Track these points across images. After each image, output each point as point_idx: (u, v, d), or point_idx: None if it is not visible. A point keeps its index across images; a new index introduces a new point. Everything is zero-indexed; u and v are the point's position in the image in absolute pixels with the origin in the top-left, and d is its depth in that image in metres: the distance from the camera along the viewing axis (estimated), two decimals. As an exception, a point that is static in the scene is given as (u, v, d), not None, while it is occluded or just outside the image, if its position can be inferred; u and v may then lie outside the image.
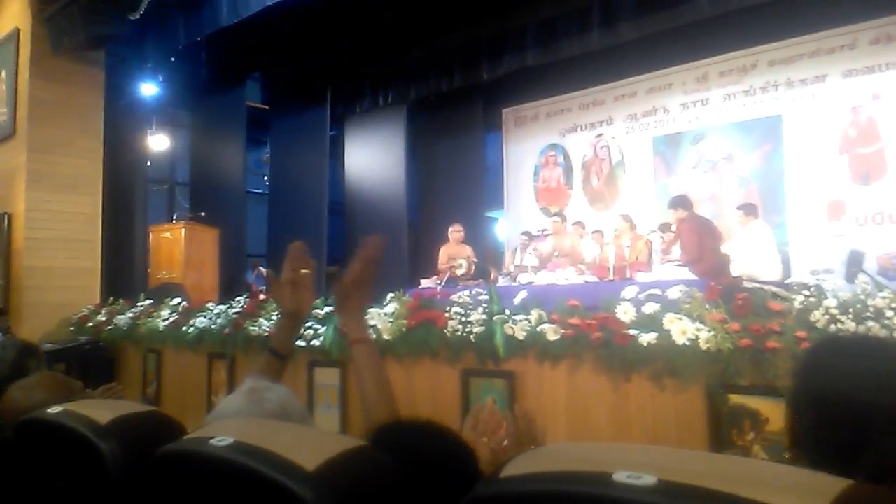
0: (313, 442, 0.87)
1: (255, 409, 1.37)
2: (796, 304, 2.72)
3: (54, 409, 1.26)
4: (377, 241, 1.62)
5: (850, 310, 2.56)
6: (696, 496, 0.54)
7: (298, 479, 0.77)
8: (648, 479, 0.56)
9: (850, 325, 2.52)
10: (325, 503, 0.76)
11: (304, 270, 1.72)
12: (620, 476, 0.57)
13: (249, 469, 0.81)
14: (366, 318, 1.70)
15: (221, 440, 0.88)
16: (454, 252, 8.27)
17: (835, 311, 2.58)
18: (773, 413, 2.62)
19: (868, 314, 2.53)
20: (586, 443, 0.70)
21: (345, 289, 1.61)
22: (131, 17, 6.64)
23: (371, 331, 3.86)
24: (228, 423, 1.04)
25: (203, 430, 0.95)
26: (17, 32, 7.40)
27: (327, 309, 4.32)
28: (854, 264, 5.81)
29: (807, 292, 2.76)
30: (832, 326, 2.56)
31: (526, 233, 8.73)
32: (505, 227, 11.17)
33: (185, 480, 0.93)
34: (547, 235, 8.80)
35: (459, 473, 1.15)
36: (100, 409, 1.23)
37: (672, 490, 0.55)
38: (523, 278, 7.06)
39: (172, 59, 8.98)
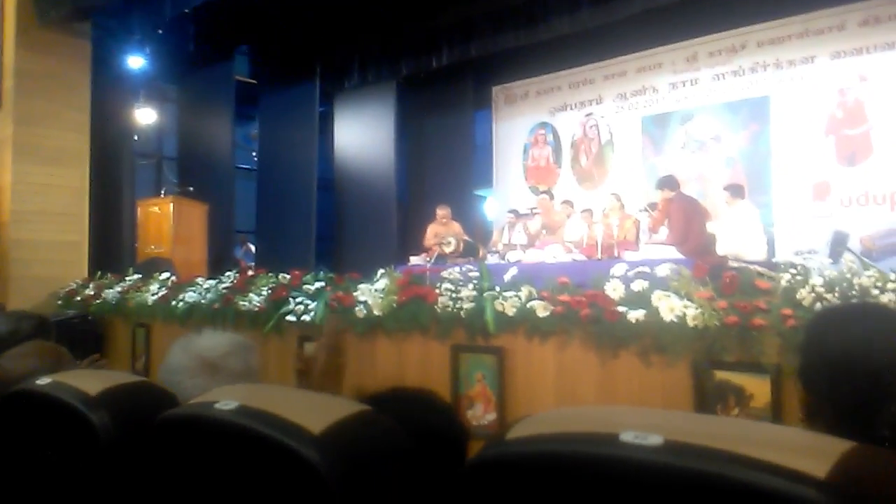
0: (319, 406, 0.88)
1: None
2: (783, 283, 2.75)
3: (43, 381, 1.26)
4: (333, 326, 1.59)
5: (836, 288, 2.59)
6: (702, 455, 0.54)
7: (305, 441, 0.78)
8: (655, 439, 0.56)
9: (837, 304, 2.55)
10: (331, 465, 0.77)
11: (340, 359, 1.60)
12: (627, 436, 0.58)
13: (256, 432, 0.82)
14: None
15: (226, 404, 0.88)
16: (441, 230, 8.27)
17: (821, 290, 2.61)
18: (758, 389, 2.66)
19: (854, 293, 2.56)
20: (590, 406, 0.71)
21: (317, 382, 1.58)
22: (118, -12, 6.55)
23: (361, 308, 3.87)
24: (232, 388, 1.05)
25: (206, 396, 0.96)
26: (1, 3, 7.27)
27: (318, 284, 4.33)
28: (838, 245, 5.86)
29: (793, 271, 2.79)
30: (818, 304, 2.59)
31: (513, 211, 8.73)
32: (494, 205, 11.15)
33: (189, 445, 0.94)
34: (535, 214, 8.81)
35: (448, 440, 1.18)
36: (89, 380, 1.23)
37: (679, 449, 0.56)
38: (512, 256, 7.07)
39: (160, 32, 8.84)
